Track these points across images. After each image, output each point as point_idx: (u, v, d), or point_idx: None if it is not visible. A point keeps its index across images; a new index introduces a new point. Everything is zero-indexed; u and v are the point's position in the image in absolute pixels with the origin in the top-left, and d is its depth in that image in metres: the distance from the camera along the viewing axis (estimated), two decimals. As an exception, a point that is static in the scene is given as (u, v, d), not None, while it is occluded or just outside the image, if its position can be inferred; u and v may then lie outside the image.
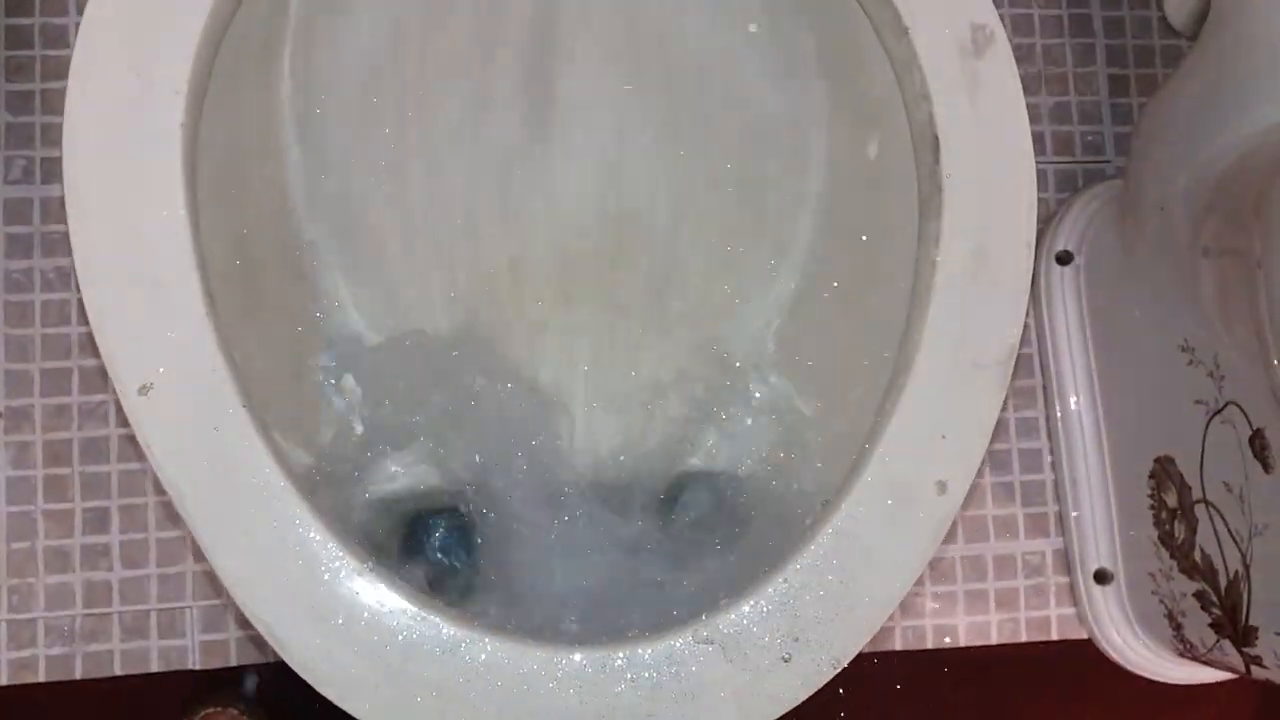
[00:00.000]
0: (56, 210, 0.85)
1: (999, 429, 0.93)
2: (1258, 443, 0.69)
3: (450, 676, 0.43)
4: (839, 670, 0.45)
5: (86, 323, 0.83)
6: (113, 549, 0.83)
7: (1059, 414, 0.93)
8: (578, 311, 0.68)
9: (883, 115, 0.52)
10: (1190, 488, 0.78)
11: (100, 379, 0.84)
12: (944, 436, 0.46)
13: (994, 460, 0.94)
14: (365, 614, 0.43)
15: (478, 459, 0.66)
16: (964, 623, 0.92)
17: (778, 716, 0.44)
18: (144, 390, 0.43)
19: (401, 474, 0.69)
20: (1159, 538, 0.84)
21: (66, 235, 0.82)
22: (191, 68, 0.44)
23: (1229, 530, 0.74)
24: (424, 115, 0.68)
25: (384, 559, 0.45)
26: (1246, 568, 0.73)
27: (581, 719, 0.43)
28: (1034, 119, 0.95)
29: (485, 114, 0.68)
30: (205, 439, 0.43)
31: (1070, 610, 0.93)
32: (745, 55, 0.63)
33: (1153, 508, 0.84)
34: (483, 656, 0.43)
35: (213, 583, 0.84)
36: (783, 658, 0.45)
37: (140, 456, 0.84)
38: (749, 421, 0.65)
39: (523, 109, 0.68)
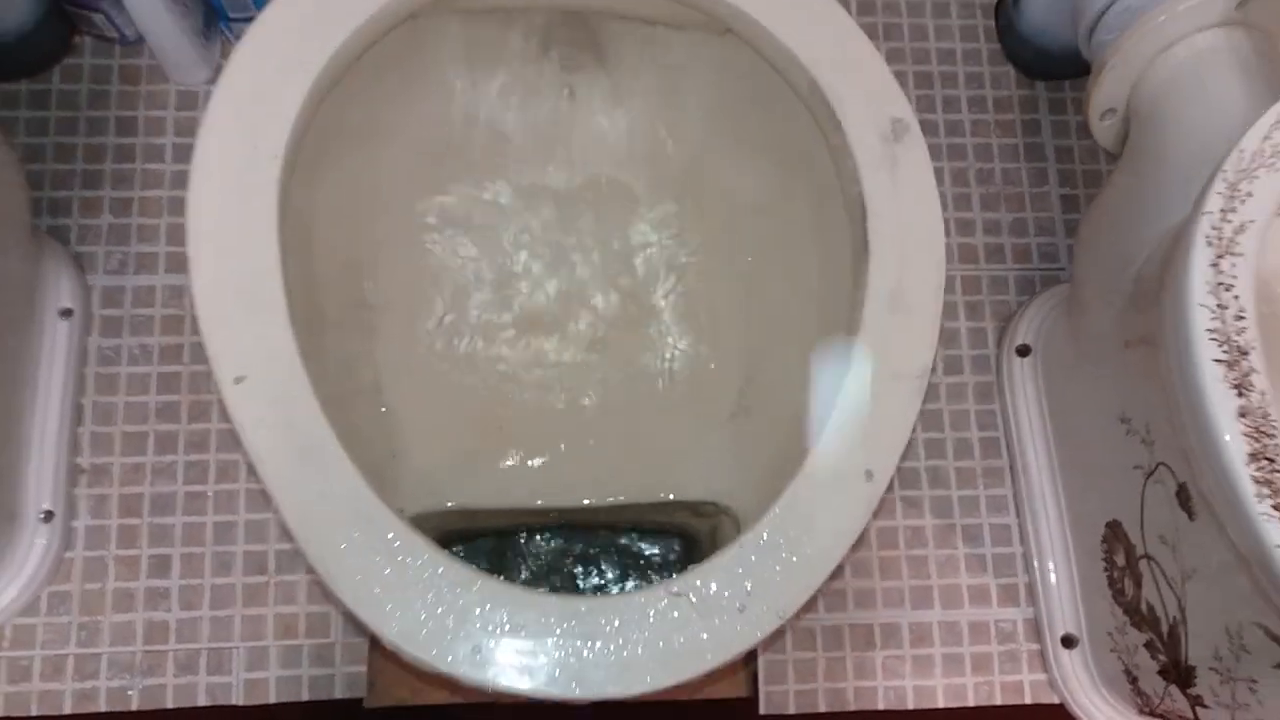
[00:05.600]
0: (145, 296, 0.99)
1: (972, 505, 1.02)
2: (1183, 495, 0.74)
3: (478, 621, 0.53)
4: (784, 620, 0.54)
5: (163, 392, 0.97)
6: (172, 592, 0.93)
7: (1024, 491, 1.00)
8: (586, 363, 0.81)
9: (828, 189, 0.65)
10: (1135, 545, 0.83)
11: (172, 442, 0.96)
12: (871, 434, 0.57)
13: (966, 534, 1.01)
14: (410, 567, 0.54)
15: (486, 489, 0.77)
16: (942, 684, 0.98)
17: (733, 656, 0.54)
18: (239, 380, 0.55)
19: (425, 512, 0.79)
20: (1113, 596, 0.88)
21: (151, 318, 0.98)
22: (288, 138, 0.58)
23: (1166, 578, 0.80)
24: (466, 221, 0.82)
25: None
26: (1182, 611, 0.78)
27: (568, 658, 0.53)
28: (995, 232, 1.09)
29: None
30: (283, 418, 0.55)
31: (1042, 676, 0.99)
32: (730, 153, 0.77)
33: (1106, 569, 0.90)
34: (505, 608, 0.53)
35: (256, 625, 0.93)
36: (739, 608, 0.54)
37: (201, 510, 0.95)
38: (721, 451, 0.76)
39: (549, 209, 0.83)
